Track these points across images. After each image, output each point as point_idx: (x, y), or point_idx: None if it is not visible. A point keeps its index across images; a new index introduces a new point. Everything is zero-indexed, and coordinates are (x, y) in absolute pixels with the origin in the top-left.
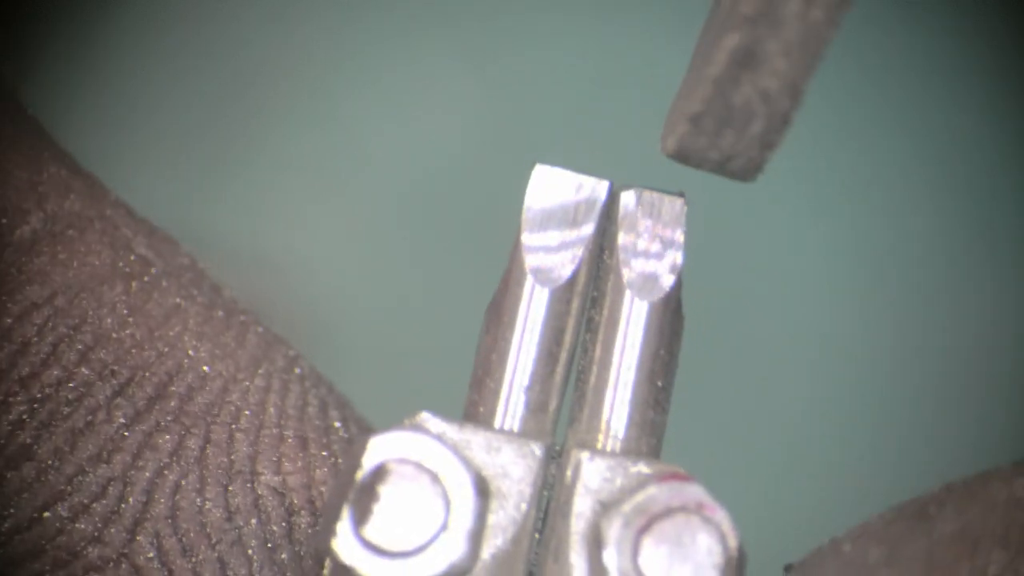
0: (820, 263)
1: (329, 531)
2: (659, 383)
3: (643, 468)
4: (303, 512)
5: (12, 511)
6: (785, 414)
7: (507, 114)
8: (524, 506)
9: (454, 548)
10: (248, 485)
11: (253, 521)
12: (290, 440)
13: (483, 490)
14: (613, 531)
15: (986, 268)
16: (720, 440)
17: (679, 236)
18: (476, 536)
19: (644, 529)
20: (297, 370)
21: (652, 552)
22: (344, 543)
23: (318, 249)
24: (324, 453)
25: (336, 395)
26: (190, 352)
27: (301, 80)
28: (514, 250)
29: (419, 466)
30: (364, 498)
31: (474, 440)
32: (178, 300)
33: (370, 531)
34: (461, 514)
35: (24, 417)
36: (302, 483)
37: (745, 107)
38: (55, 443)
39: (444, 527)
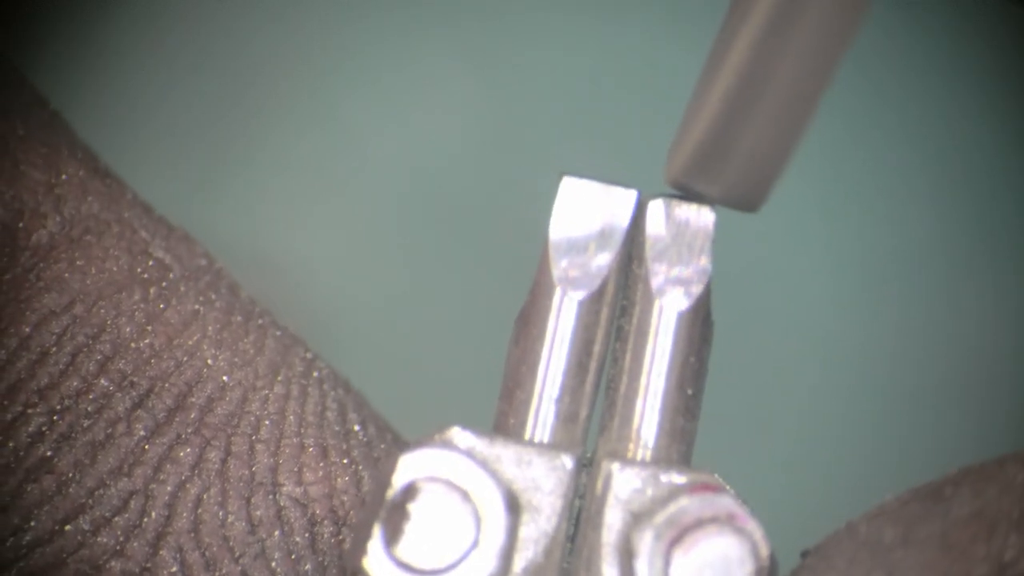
0: (823, 261)
1: (360, 549)
2: (689, 391)
3: (674, 478)
4: (326, 522)
5: (33, 524)
6: (794, 409)
7: (508, 114)
8: (555, 518)
9: (485, 565)
10: (270, 497)
11: (276, 533)
12: (311, 449)
13: (514, 506)
14: (644, 543)
15: (990, 266)
16: (733, 433)
17: (707, 244)
18: (507, 552)
19: (675, 540)
20: (315, 373)
21: (684, 563)
22: (375, 562)
23: (318, 249)
24: (344, 461)
25: (353, 395)
26: (209, 361)
27: (301, 80)
28: (542, 261)
29: (449, 483)
30: (395, 516)
31: (504, 454)
32: (196, 306)
33: (401, 549)
34: (492, 531)
35: (44, 429)
36: (324, 493)
37: (744, 145)
38: (76, 455)
39: (475, 544)
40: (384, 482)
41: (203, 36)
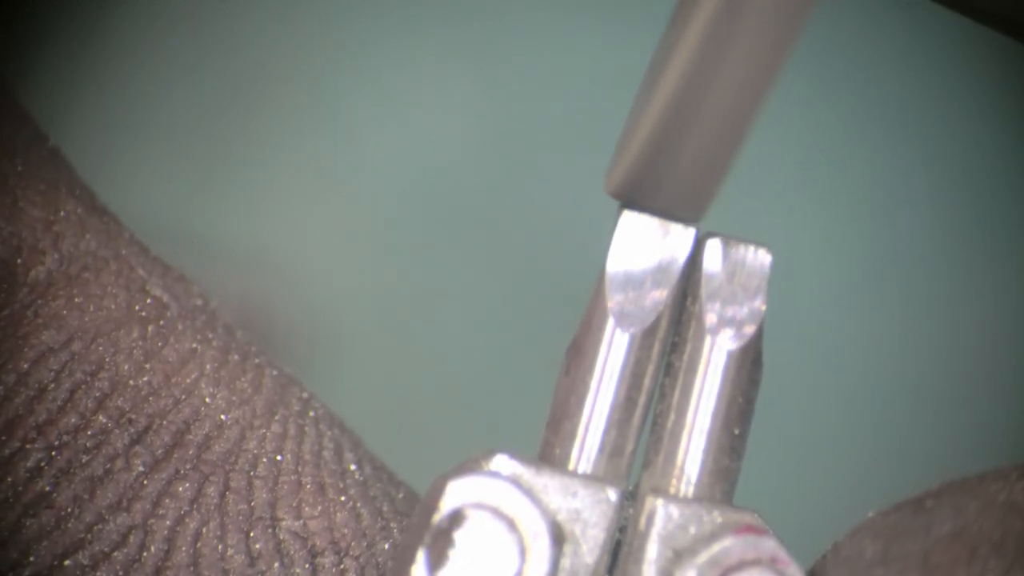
0: (820, 263)
1: (403, 574)
2: (736, 431)
3: (717, 517)
4: (327, 553)
5: (32, 559)
6: (794, 408)
7: (509, 114)
8: (597, 551)
9: None
10: (269, 530)
11: (276, 565)
12: (308, 486)
13: (559, 538)
14: None
15: (988, 268)
16: None
17: (762, 286)
18: None
19: None
20: (312, 413)
21: None
22: None
23: (318, 250)
24: (342, 498)
25: (349, 435)
26: (207, 399)
27: (301, 80)
28: (596, 294)
29: (496, 511)
30: (439, 541)
31: (550, 484)
32: (194, 344)
33: (444, 575)
34: (536, 562)
35: (42, 464)
36: (323, 527)
37: (682, 157)
38: (74, 491)
39: (519, 574)
40: (431, 507)
41: (203, 36)
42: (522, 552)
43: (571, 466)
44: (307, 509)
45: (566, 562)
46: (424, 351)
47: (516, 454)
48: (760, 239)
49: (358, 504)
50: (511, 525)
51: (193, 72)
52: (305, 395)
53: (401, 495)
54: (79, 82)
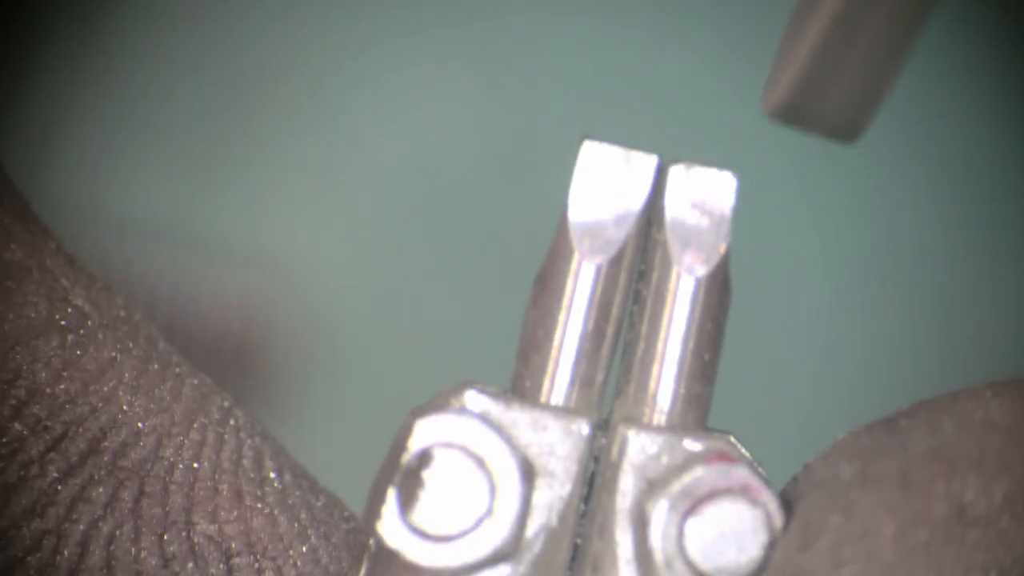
0: (820, 261)
1: (374, 514)
2: (706, 356)
3: (690, 445)
4: (242, 554)
5: None
6: (792, 408)
7: (509, 114)
8: (569, 484)
9: (499, 533)
10: (183, 533)
11: (190, 565)
12: (225, 492)
13: (529, 474)
14: (659, 513)
15: (990, 266)
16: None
17: (728, 211)
18: (521, 519)
19: (689, 511)
20: (232, 421)
21: (698, 533)
22: (390, 527)
23: (318, 249)
24: (259, 505)
25: (271, 443)
26: (124, 407)
27: (302, 80)
28: (561, 224)
29: (465, 450)
30: (409, 481)
31: (520, 419)
32: (113, 353)
33: (415, 515)
34: (506, 500)
35: None
36: (239, 531)
37: (843, 76)
38: None
39: (489, 512)
40: (399, 446)
41: (203, 36)
42: (492, 490)
43: (542, 398)
44: (223, 514)
45: (540, 496)
46: (424, 350)
47: (485, 389)
48: (760, 238)
49: (275, 511)
50: (480, 463)
51: (193, 72)
52: (226, 404)
53: (320, 503)
54: (79, 82)
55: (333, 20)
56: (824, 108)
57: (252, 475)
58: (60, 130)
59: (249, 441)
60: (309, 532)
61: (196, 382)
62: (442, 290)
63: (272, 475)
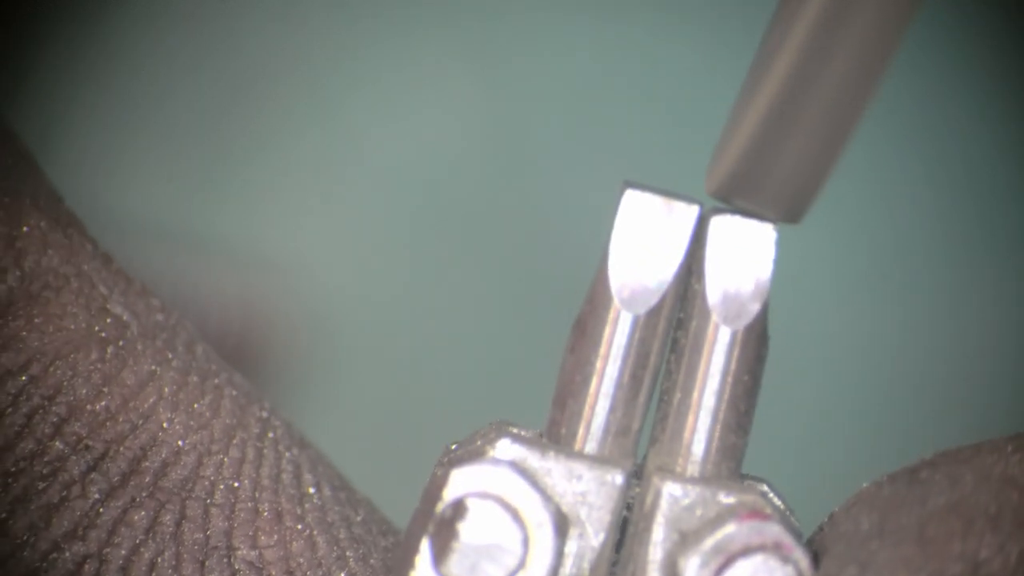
0: (819, 262)
1: (407, 564)
2: (741, 407)
3: (723, 498)
4: None
5: None
6: (793, 409)
7: (509, 114)
8: (603, 534)
9: None
10: (225, 560)
11: None
12: (265, 514)
13: (562, 527)
14: (691, 570)
15: (990, 266)
16: None
17: (768, 263)
18: (553, 571)
19: (722, 567)
20: (271, 434)
21: None
22: None
23: (318, 249)
24: (299, 526)
25: (308, 453)
26: (164, 424)
27: (302, 81)
28: (600, 272)
29: (499, 500)
30: (443, 532)
31: (555, 468)
32: (153, 367)
33: (448, 566)
34: (539, 554)
35: None
36: (279, 556)
37: (786, 157)
38: (30, 518)
39: (522, 565)
40: (434, 495)
41: (203, 36)
42: (525, 542)
43: (577, 445)
44: (263, 538)
45: (572, 545)
46: (424, 350)
47: (520, 437)
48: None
49: (315, 532)
50: (514, 515)
51: (193, 72)
52: (264, 414)
53: (359, 518)
54: (79, 82)
55: (333, 20)
56: (766, 189)
57: (291, 491)
58: (60, 130)
59: (288, 454)
60: (348, 555)
61: (235, 393)
62: (442, 290)
63: (311, 490)
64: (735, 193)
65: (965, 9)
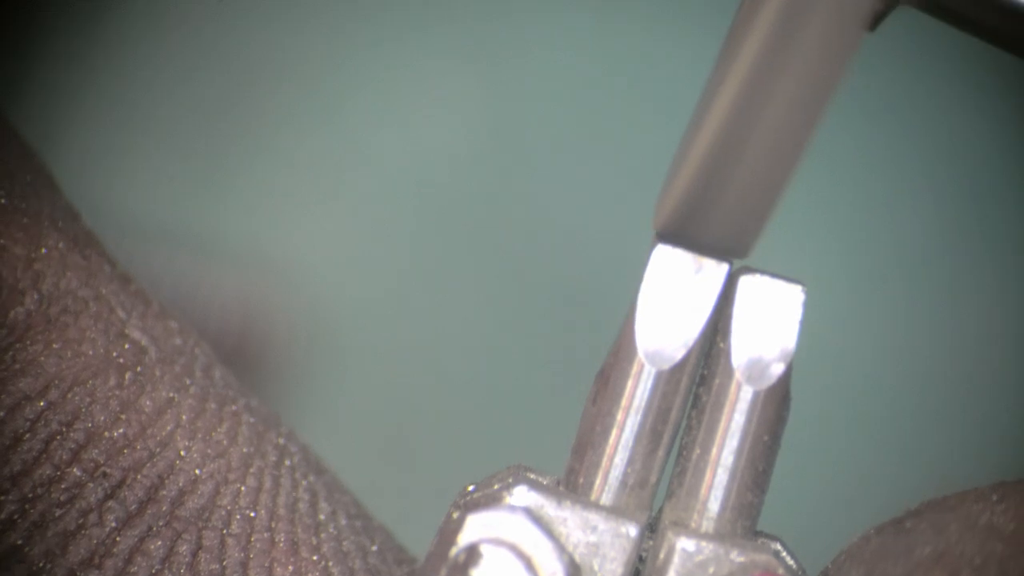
0: (820, 261)
1: None
2: (760, 467)
3: (736, 557)
4: None
5: None
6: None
7: (510, 115)
8: None
9: None
10: None
11: None
12: (281, 545)
13: None
14: None
15: (990, 266)
16: None
17: (794, 325)
18: None
19: None
20: (287, 462)
21: None
22: None
23: (318, 249)
24: (315, 557)
25: (325, 480)
26: (182, 452)
27: (303, 81)
28: (626, 326)
29: (513, 548)
30: None
31: (571, 518)
32: (171, 393)
33: None
34: None
35: (15, 517)
36: None
37: (730, 193)
38: (47, 545)
39: None
40: (448, 540)
41: (203, 36)
42: None
43: (594, 495)
44: (279, 569)
45: None
46: (424, 350)
47: (537, 485)
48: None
49: (330, 563)
50: (528, 564)
51: (193, 72)
52: (282, 440)
53: (375, 547)
54: (79, 82)
55: (333, 20)
56: (710, 226)
57: (308, 521)
58: (60, 130)
59: (304, 482)
60: None
61: (252, 420)
62: (441, 290)
63: (327, 519)
64: (681, 228)
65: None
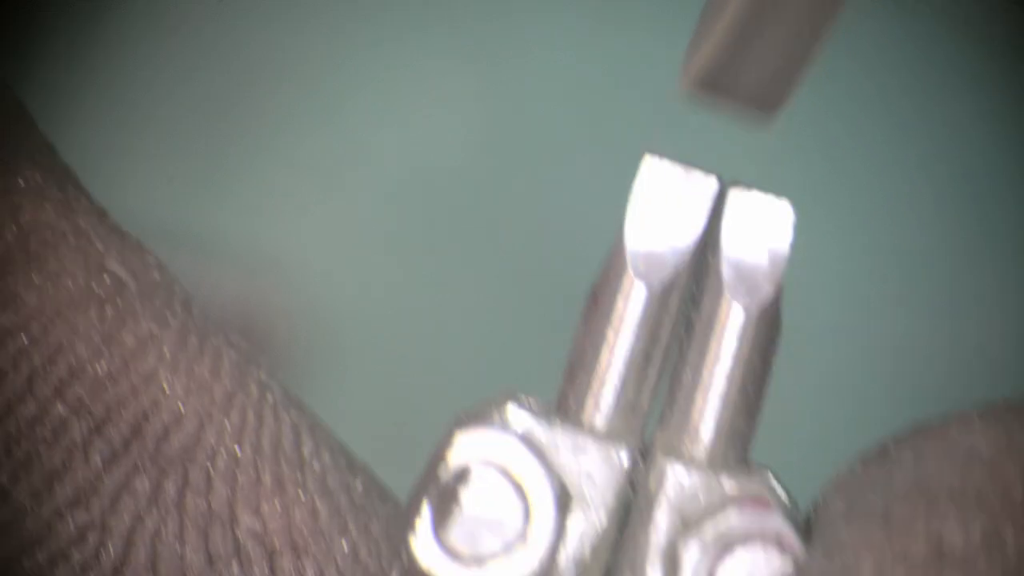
0: (822, 261)
1: (408, 525)
2: (751, 392)
3: (728, 486)
4: (285, 554)
5: None
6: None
7: (510, 114)
8: (604, 514)
9: (530, 561)
10: (228, 530)
11: (235, 566)
12: (267, 481)
13: (564, 503)
14: (690, 556)
15: (991, 266)
16: None
17: (786, 246)
18: (553, 548)
19: (720, 555)
20: (270, 397)
21: None
22: (421, 543)
23: (319, 249)
24: (301, 494)
25: (307, 417)
26: (165, 387)
27: (303, 80)
28: (616, 242)
29: (503, 471)
30: (445, 497)
31: (561, 442)
32: (153, 328)
33: (447, 533)
34: (540, 527)
35: (1, 457)
36: (282, 526)
37: (763, 49)
38: (33, 485)
39: (522, 538)
40: (439, 457)
41: (203, 36)
42: (526, 516)
43: (585, 419)
44: (266, 506)
45: (574, 524)
46: (425, 350)
47: (528, 403)
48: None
49: (316, 500)
50: (517, 488)
51: (193, 72)
52: (263, 376)
53: (359, 484)
54: (79, 82)
55: (333, 20)
56: (743, 79)
57: (292, 457)
58: (60, 130)
59: (287, 418)
60: (349, 524)
61: (234, 354)
62: (443, 289)
63: (311, 456)
64: (711, 87)
65: (965, 7)
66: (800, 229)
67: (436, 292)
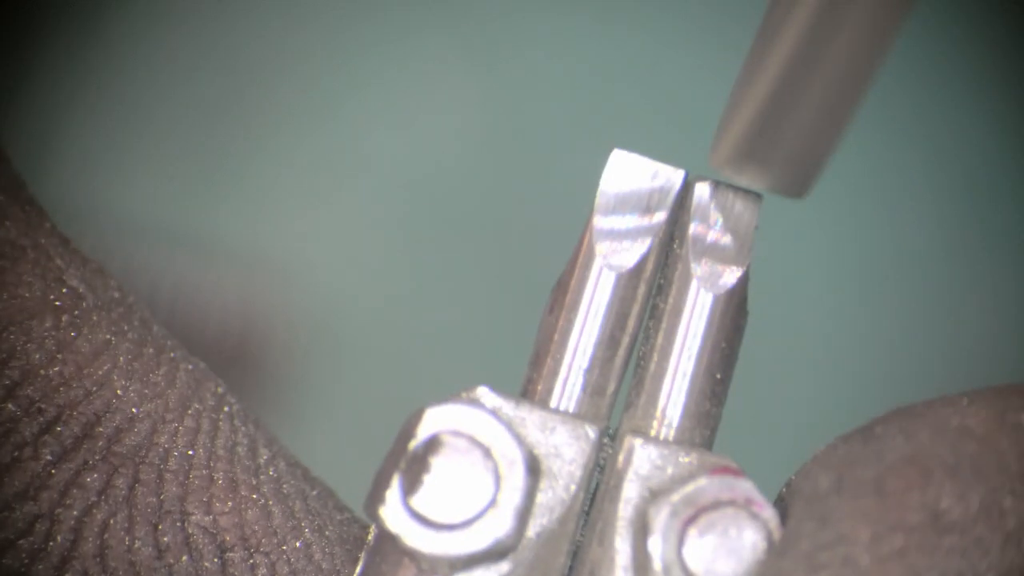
0: (819, 261)
1: (378, 498)
2: (717, 375)
3: (695, 459)
4: (236, 548)
5: None
6: (791, 409)
7: (509, 114)
8: (573, 487)
9: (501, 525)
10: (178, 524)
11: (184, 558)
12: (220, 482)
13: (534, 468)
14: (660, 519)
15: (990, 266)
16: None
17: (750, 232)
18: (524, 514)
19: (691, 520)
20: (226, 408)
21: (697, 543)
22: (392, 511)
23: (318, 250)
24: (254, 495)
25: (264, 431)
26: (119, 392)
27: (302, 81)
28: (585, 232)
29: (472, 440)
30: (415, 467)
31: (529, 418)
32: (108, 336)
33: (418, 501)
34: (511, 491)
35: None
36: (234, 523)
37: (792, 131)
38: None
39: (493, 503)
40: (408, 432)
41: (203, 36)
42: (497, 480)
43: (552, 403)
44: (218, 504)
45: (543, 497)
46: (424, 350)
47: (497, 389)
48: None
49: (270, 502)
50: (487, 453)
51: (193, 72)
52: (220, 390)
53: (315, 492)
54: (79, 81)
55: (333, 20)
56: (772, 162)
57: (247, 463)
58: (60, 130)
59: (243, 428)
60: (303, 525)
61: (190, 367)
62: (441, 290)
63: (267, 463)
64: (741, 167)
65: (965, 8)
66: (799, 229)
67: (435, 292)
